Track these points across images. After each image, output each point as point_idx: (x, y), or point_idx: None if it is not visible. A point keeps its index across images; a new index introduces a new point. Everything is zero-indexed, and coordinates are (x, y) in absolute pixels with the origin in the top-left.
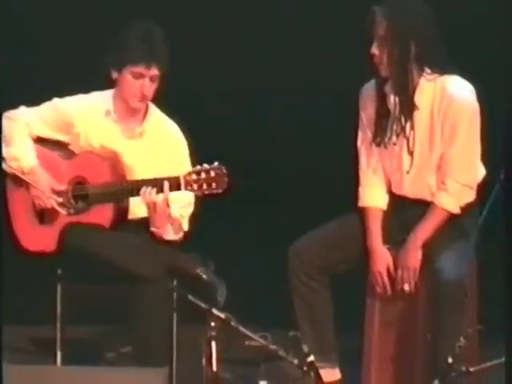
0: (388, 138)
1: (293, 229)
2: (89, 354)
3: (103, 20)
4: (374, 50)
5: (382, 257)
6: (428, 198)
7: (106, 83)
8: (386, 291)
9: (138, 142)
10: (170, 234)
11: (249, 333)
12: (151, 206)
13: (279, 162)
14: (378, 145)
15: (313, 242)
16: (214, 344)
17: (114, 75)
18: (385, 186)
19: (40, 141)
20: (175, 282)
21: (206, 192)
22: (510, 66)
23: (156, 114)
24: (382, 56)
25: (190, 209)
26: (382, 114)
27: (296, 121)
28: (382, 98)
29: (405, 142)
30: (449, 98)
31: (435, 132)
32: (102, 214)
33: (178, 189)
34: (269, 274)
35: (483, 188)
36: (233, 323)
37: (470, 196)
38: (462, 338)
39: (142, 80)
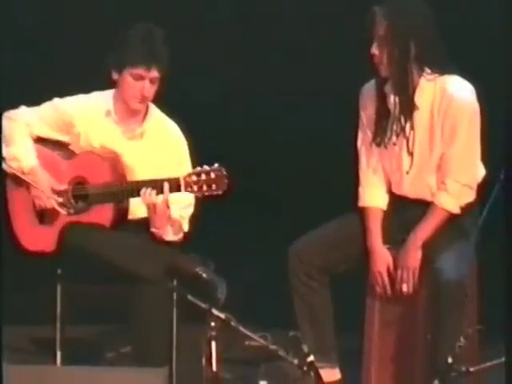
0: (388, 138)
1: (293, 229)
2: (89, 354)
3: (103, 20)
4: (374, 50)
5: (382, 257)
6: (428, 198)
7: (107, 83)
8: (386, 291)
9: (138, 143)
10: (170, 235)
11: (249, 333)
12: (151, 207)
13: (279, 162)
14: (378, 145)
15: (313, 242)
16: (213, 344)
17: (115, 76)
18: (385, 186)
19: (40, 141)
20: (175, 282)
21: (206, 193)
22: (510, 65)
23: (156, 115)
24: (381, 56)
25: (190, 210)
26: (382, 114)
27: (296, 121)
28: (382, 98)
29: (404, 142)
30: (449, 98)
31: (435, 132)
32: (102, 214)
33: (178, 190)
34: (269, 274)
35: (483, 188)
36: (233, 323)
37: (470, 196)
38: (462, 338)
39: (142, 82)
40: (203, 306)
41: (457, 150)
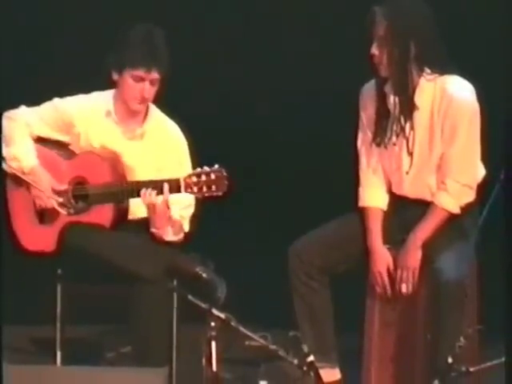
0: (388, 138)
1: (293, 229)
2: (89, 354)
3: (103, 20)
4: (374, 50)
5: (382, 257)
6: (428, 198)
7: (107, 83)
8: (386, 291)
9: (138, 143)
10: (170, 235)
11: (249, 333)
12: (151, 208)
13: (279, 162)
14: (378, 145)
15: (313, 242)
16: (213, 344)
17: (115, 76)
18: (385, 186)
19: (40, 141)
20: (175, 282)
21: (206, 195)
22: (510, 65)
23: (156, 115)
24: (381, 56)
25: (191, 210)
26: (382, 114)
27: (296, 121)
28: (382, 98)
29: (404, 142)
30: (449, 98)
31: (435, 132)
32: (102, 214)
33: (178, 191)
34: (269, 274)
35: (483, 188)
36: (233, 323)
37: (470, 196)
38: (461, 338)
39: (142, 83)
40: (203, 305)
41: (457, 150)
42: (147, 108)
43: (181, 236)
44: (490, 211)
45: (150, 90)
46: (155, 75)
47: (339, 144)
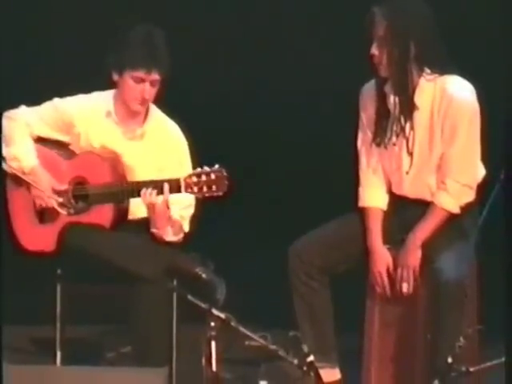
0: (388, 138)
1: (293, 229)
2: (89, 354)
3: (103, 20)
4: (374, 50)
5: (382, 257)
6: (428, 198)
7: (107, 83)
8: (386, 291)
9: (138, 143)
10: (170, 235)
11: (249, 333)
12: (151, 208)
13: (279, 161)
14: (378, 145)
15: (313, 242)
16: (213, 344)
17: (115, 77)
18: (385, 186)
19: (40, 141)
20: (175, 282)
21: (206, 195)
22: (510, 65)
23: (157, 115)
24: (381, 56)
25: (191, 210)
26: (382, 114)
27: (296, 121)
28: (381, 98)
29: (404, 142)
30: (449, 98)
31: (435, 132)
32: (102, 215)
33: (179, 191)
34: (269, 274)
35: (483, 188)
36: (233, 323)
37: (470, 196)
38: (461, 338)
39: (142, 84)
40: (203, 305)
41: (457, 150)
42: (147, 108)
43: (181, 236)
44: (489, 211)
45: (150, 91)
46: (155, 76)
47: (339, 144)
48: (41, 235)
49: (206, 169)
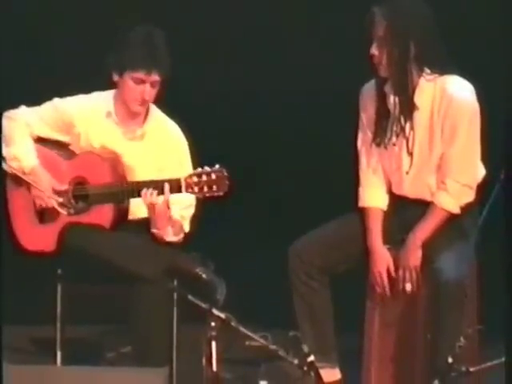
0: (388, 138)
1: (293, 229)
2: (89, 354)
3: (103, 20)
4: (374, 50)
5: (382, 257)
6: (428, 198)
7: (107, 84)
8: (386, 291)
9: (138, 144)
10: (171, 236)
11: (249, 333)
12: (152, 208)
13: (279, 161)
14: (378, 145)
15: (313, 242)
16: (213, 344)
17: (115, 78)
18: (385, 186)
19: (40, 141)
20: (175, 282)
21: (207, 195)
22: (510, 65)
23: (157, 115)
24: (381, 56)
25: (191, 210)
26: (382, 114)
27: (296, 121)
28: (381, 98)
29: (404, 142)
30: (449, 98)
31: (435, 132)
32: (103, 215)
33: (179, 191)
34: (269, 274)
35: (483, 188)
36: (233, 323)
37: (470, 196)
38: (461, 338)
39: (142, 85)
40: (203, 305)
41: (457, 150)
42: (147, 108)
43: (181, 236)
44: (489, 211)
45: (150, 92)
46: (156, 77)
47: (339, 144)
48: (41, 235)
49: (207, 169)
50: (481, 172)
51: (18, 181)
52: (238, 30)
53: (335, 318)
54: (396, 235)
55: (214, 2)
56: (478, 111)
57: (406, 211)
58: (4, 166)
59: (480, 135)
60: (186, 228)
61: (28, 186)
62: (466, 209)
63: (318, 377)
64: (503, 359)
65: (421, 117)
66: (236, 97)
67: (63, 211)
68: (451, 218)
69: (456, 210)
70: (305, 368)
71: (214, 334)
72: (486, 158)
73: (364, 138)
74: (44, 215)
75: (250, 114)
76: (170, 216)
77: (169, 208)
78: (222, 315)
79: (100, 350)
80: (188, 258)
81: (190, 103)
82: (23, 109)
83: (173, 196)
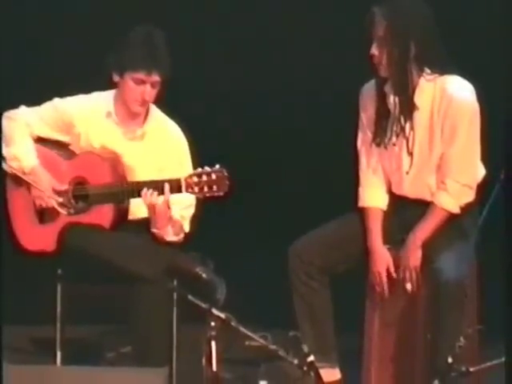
0: (388, 138)
1: (293, 229)
2: (89, 354)
3: (103, 20)
4: (374, 50)
5: (382, 257)
6: (428, 198)
7: (107, 84)
8: (386, 291)
9: (139, 144)
10: (171, 236)
11: (249, 333)
12: (152, 208)
13: (279, 161)
14: (378, 145)
15: (313, 242)
16: (213, 344)
17: (115, 78)
18: (385, 186)
19: (40, 141)
20: (175, 282)
21: (207, 195)
22: (510, 65)
23: (157, 116)
24: (381, 56)
25: (191, 210)
26: (382, 114)
27: (296, 121)
28: (381, 98)
29: (404, 142)
30: (449, 98)
31: (435, 132)
32: (103, 215)
33: (179, 191)
34: (269, 274)
35: (483, 188)
36: (233, 323)
37: (470, 196)
38: (461, 338)
39: (143, 86)
40: (203, 305)
41: (457, 150)
42: (148, 108)
43: (181, 236)
44: (489, 211)
45: (150, 93)
46: (156, 78)
47: (339, 144)
48: (41, 235)
49: (207, 169)
50: (481, 172)
51: (18, 181)
52: (238, 30)
53: (335, 318)
54: (396, 235)
55: (214, 2)
56: (478, 111)
57: (405, 211)
58: (4, 166)
59: (480, 135)
60: (186, 228)
61: (28, 185)
62: (466, 209)
63: (318, 377)
64: (503, 359)
65: (421, 117)
66: (236, 97)
67: (63, 211)
68: (451, 218)
69: (456, 209)
70: (305, 368)
71: (213, 333)
72: (486, 158)
73: (364, 137)
74: (44, 215)
75: (250, 114)
76: (170, 216)
77: (169, 208)
78: (222, 315)
79: (100, 350)
80: (188, 258)
81: (190, 103)
82: (23, 109)
83: (173, 196)
